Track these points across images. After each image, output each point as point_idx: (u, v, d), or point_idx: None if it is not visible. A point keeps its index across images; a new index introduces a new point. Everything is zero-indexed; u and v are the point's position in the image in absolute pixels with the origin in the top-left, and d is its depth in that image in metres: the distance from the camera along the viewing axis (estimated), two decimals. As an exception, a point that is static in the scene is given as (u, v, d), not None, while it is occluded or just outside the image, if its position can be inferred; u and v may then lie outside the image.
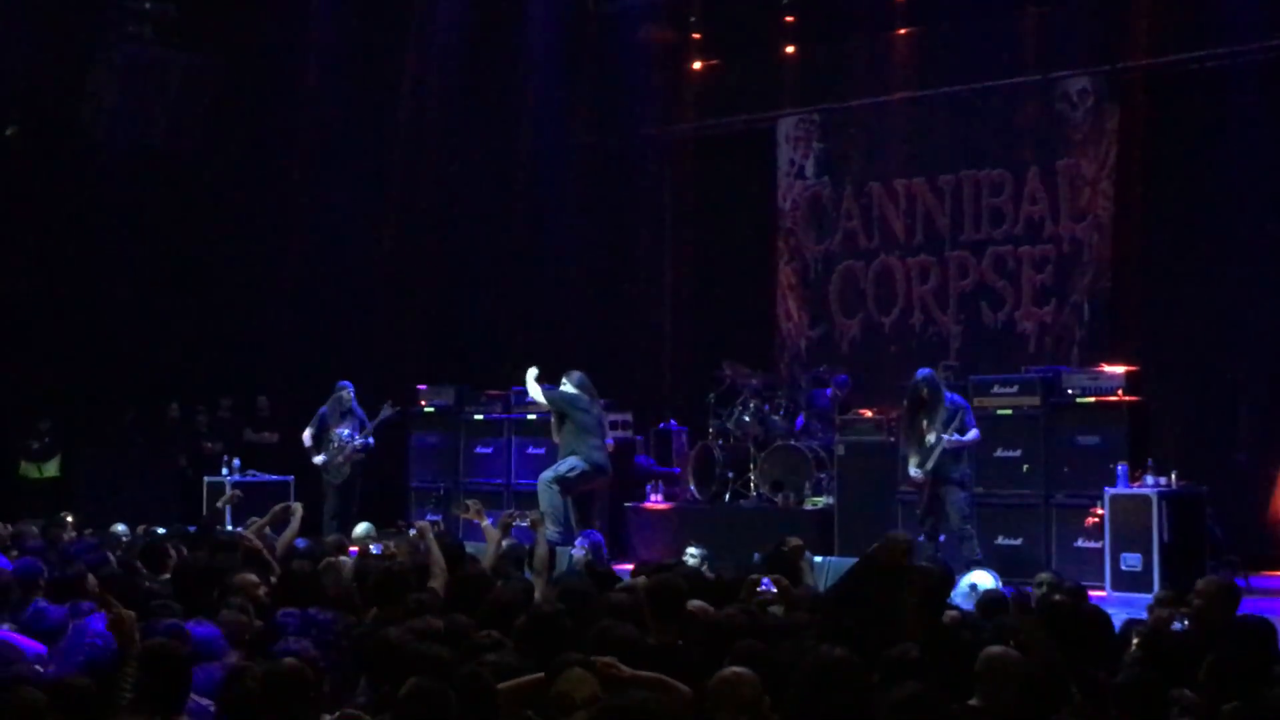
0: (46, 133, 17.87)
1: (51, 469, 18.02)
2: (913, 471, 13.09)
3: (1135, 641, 6.98)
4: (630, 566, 11.07)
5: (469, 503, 11.21)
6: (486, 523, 10.18)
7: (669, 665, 5.79)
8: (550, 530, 13.64)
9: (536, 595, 8.13)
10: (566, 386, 14.57)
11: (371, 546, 11.04)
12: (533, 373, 14.80)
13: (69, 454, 18.04)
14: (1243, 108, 14.96)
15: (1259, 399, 15.37)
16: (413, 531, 10.06)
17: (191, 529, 12.08)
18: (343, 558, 10.00)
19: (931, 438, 12.90)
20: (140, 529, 12.41)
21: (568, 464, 14.31)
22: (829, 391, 16.21)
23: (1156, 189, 16.04)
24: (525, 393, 16.50)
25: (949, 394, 13.13)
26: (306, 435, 16.13)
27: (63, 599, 7.33)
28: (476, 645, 5.99)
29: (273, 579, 8.20)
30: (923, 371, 13.44)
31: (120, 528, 11.71)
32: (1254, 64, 15.16)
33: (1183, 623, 7.30)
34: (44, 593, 7.69)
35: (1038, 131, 16.89)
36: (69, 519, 12.30)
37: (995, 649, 5.82)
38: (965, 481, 13.05)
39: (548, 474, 14.32)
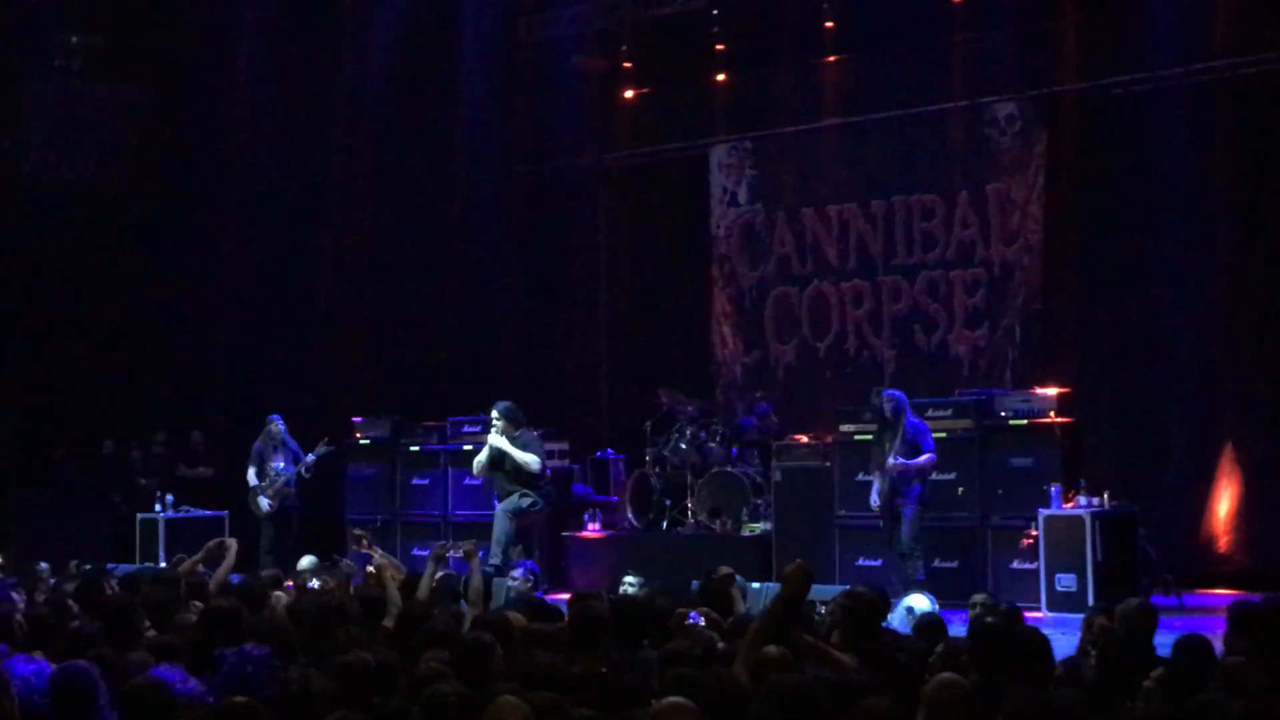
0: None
1: None
2: (873, 500, 13.29)
3: (1092, 653, 7.02)
4: (568, 596, 11.04)
5: (358, 532, 11.16)
6: (378, 553, 10.11)
7: (593, 694, 5.77)
8: (496, 557, 13.63)
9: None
10: (501, 424, 14.39)
11: (311, 581, 10.95)
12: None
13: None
14: (1167, 132, 15.13)
15: (1189, 419, 15.52)
16: (371, 568, 9.98)
17: (112, 567, 11.93)
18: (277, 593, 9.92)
19: (889, 462, 13.06)
20: (72, 565, 12.26)
21: (531, 500, 14.27)
22: (752, 420, 16.30)
23: (1084, 212, 16.20)
24: (461, 423, 16.50)
25: (911, 417, 13.23)
26: (251, 475, 15.98)
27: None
28: (418, 677, 5.94)
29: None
30: (888, 390, 13.59)
31: (43, 566, 11.53)
32: (1177, 89, 15.34)
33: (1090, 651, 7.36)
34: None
35: (967, 156, 17.03)
36: (-1, 559, 12.16)
37: (946, 675, 5.83)
38: (922, 499, 13.16)
39: (510, 505, 14.23)
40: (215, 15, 17.96)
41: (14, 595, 8.88)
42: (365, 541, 10.45)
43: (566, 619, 8.10)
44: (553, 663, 5.99)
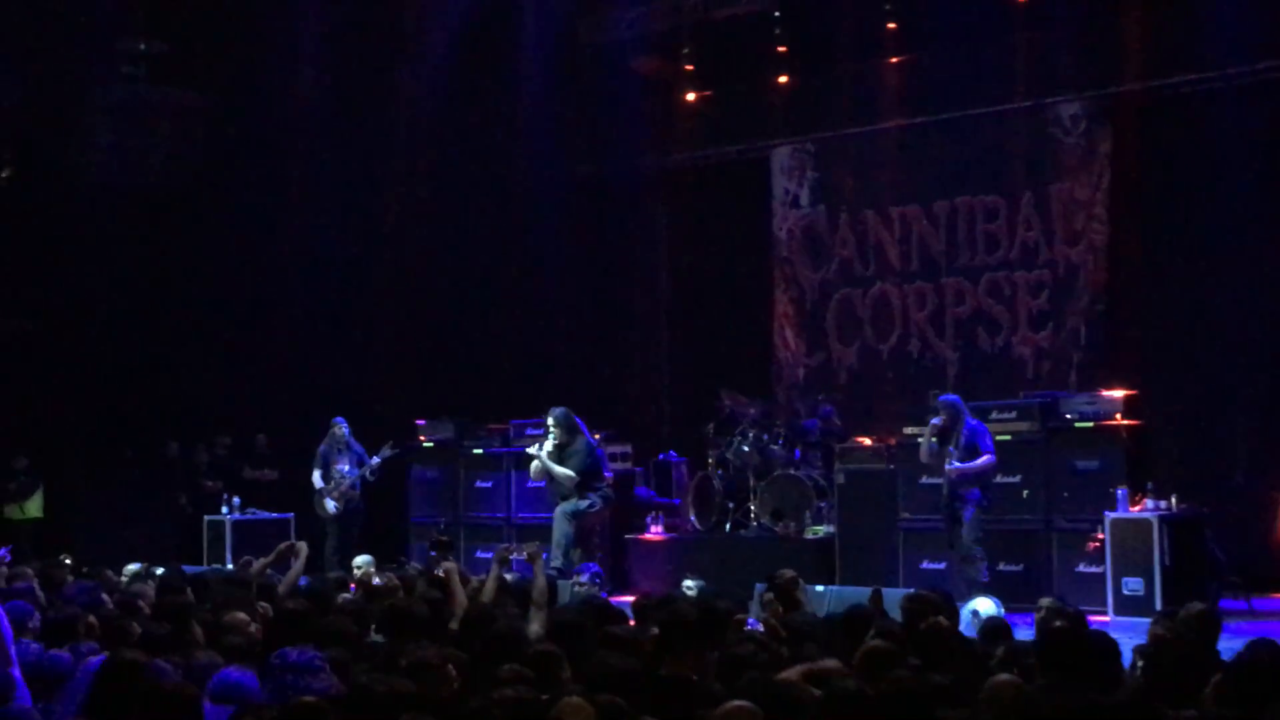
0: (41, 173, 17.90)
1: (34, 509, 17.93)
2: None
3: (1140, 663, 6.97)
4: (631, 598, 11.04)
5: (441, 539, 11.17)
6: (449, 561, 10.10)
7: (681, 697, 5.78)
8: (558, 560, 13.69)
9: (536, 628, 8.11)
10: (556, 432, 14.47)
11: (374, 579, 11.00)
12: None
13: (63, 494, 17.97)
14: (1232, 130, 14.99)
15: (1256, 420, 15.37)
16: (439, 572, 10.01)
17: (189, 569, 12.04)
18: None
19: (950, 465, 13.02)
20: (141, 567, 12.35)
21: (588, 500, 14.40)
22: (816, 422, 16.25)
23: (1149, 212, 16.08)
24: (524, 425, 16.55)
25: (969, 419, 13.18)
26: (317, 477, 16.09)
27: (59, 642, 7.30)
28: (495, 680, 5.96)
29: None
30: (945, 396, 13.54)
31: (133, 567, 11.63)
32: (1243, 87, 15.20)
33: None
34: (37, 635, 7.65)
35: (1030, 157, 16.93)
36: (67, 560, 12.25)
37: (1003, 677, 5.81)
38: (981, 503, 13.07)
39: (568, 506, 14.34)
40: (277, 21, 18.08)
41: (104, 597, 8.97)
42: (443, 543, 10.46)
43: (632, 621, 8.13)
44: (628, 665, 5.99)
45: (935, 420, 13.29)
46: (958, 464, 13.05)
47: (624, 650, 6.43)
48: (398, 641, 7.19)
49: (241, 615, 7.86)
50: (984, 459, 13.06)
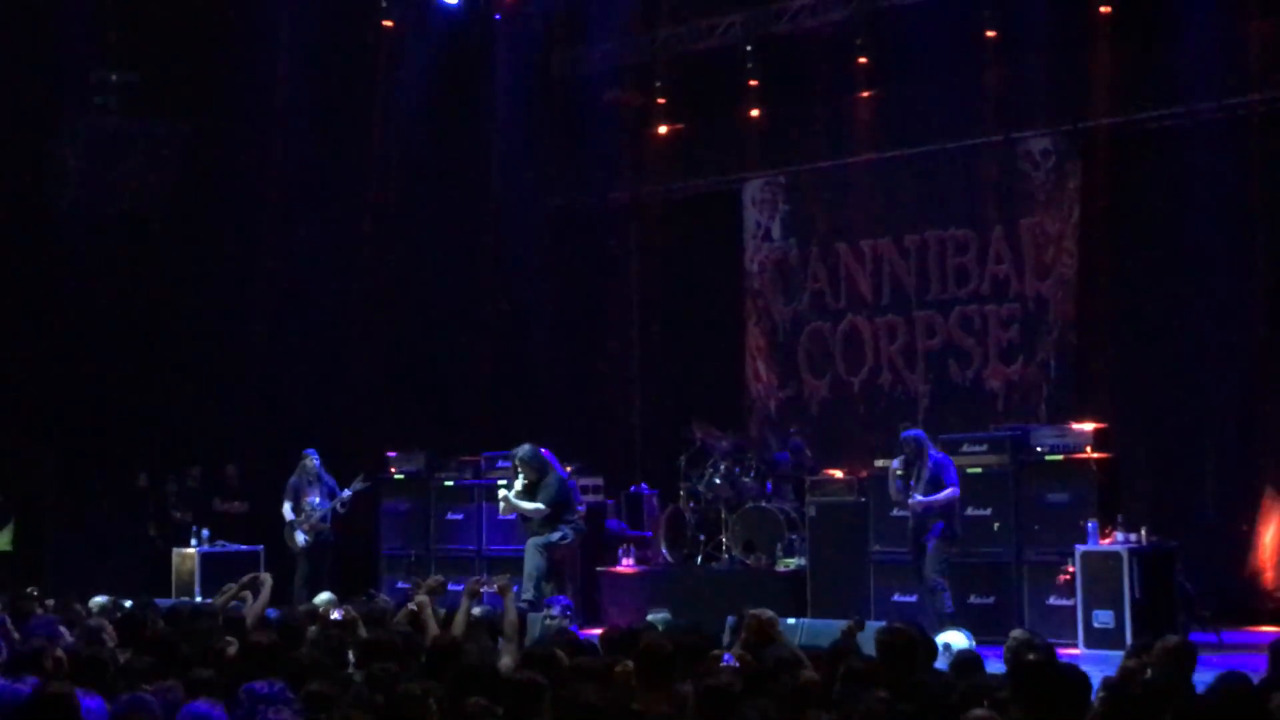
0: (11, 202, 17.81)
1: (3, 542, 17.77)
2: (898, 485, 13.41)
3: (1100, 695, 6.97)
4: (599, 631, 11.00)
5: (434, 580, 11.11)
6: (423, 594, 10.04)
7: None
8: (529, 593, 13.64)
9: (508, 661, 8.07)
10: (524, 471, 14.43)
11: (333, 613, 10.91)
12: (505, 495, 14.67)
13: (32, 525, 17.81)
14: (1201, 165, 15.08)
15: (1226, 453, 15.43)
16: (413, 605, 9.96)
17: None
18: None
19: (913, 498, 13.05)
20: (108, 600, 12.26)
21: (560, 533, 14.36)
22: (787, 455, 16.28)
23: (1120, 246, 16.15)
24: (496, 458, 16.50)
25: (933, 452, 13.21)
26: (287, 509, 16.03)
27: (24, 675, 7.23)
28: (466, 713, 5.93)
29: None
30: (907, 431, 13.58)
31: (100, 600, 11.53)
32: (1212, 123, 15.30)
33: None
34: (3, 670, 7.57)
35: (1001, 191, 17.02)
36: (34, 592, 12.14)
37: (978, 711, 5.81)
38: (945, 534, 13.09)
39: (540, 539, 14.31)
40: (251, 51, 18.04)
41: (61, 629, 8.90)
42: (426, 585, 10.36)
43: (602, 651, 8.10)
44: (600, 699, 5.96)
45: (894, 463, 13.35)
46: (920, 497, 13.11)
47: (597, 684, 6.39)
48: (370, 674, 7.14)
49: (231, 650, 7.81)
50: (947, 491, 13.11)
